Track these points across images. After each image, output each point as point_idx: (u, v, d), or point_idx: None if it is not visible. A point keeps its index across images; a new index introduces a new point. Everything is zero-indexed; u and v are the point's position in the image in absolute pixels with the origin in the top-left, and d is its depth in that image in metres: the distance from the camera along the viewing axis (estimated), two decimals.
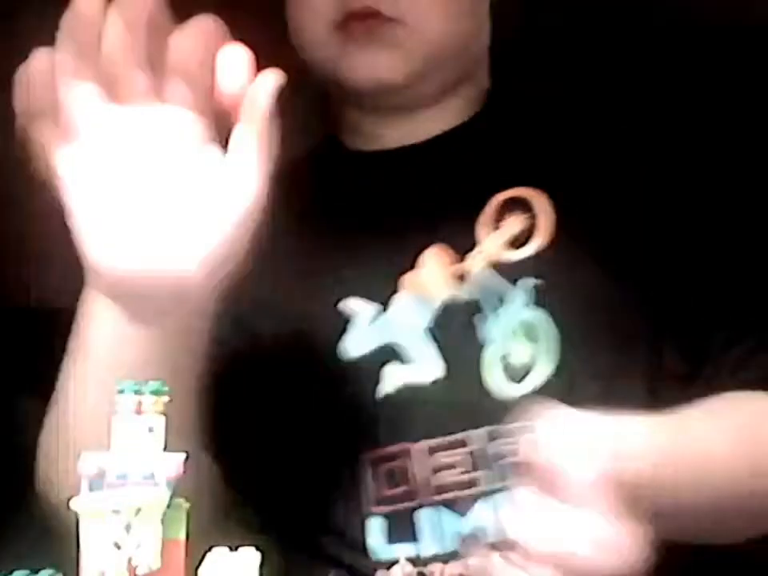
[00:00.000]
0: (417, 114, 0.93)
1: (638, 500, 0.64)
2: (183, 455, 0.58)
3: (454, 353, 0.84)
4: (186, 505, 0.58)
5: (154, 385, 0.59)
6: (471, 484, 0.82)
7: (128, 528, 0.54)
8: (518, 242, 0.86)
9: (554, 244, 0.86)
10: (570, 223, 0.85)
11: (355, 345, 0.85)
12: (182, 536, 0.57)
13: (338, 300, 0.88)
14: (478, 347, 0.83)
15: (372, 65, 0.87)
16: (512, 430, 0.81)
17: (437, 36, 0.87)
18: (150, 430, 0.58)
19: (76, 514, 0.55)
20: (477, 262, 0.86)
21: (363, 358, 0.85)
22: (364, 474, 0.85)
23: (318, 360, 0.86)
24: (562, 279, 0.83)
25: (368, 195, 0.93)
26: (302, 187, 0.95)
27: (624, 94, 0.98)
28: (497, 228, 0.86)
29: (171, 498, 0.57)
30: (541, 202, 0.86)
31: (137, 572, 0.54)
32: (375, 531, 0.84)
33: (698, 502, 0.73)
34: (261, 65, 0.65)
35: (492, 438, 0.82)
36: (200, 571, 0.56)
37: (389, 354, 0.85)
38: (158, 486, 0.57)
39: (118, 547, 0.54)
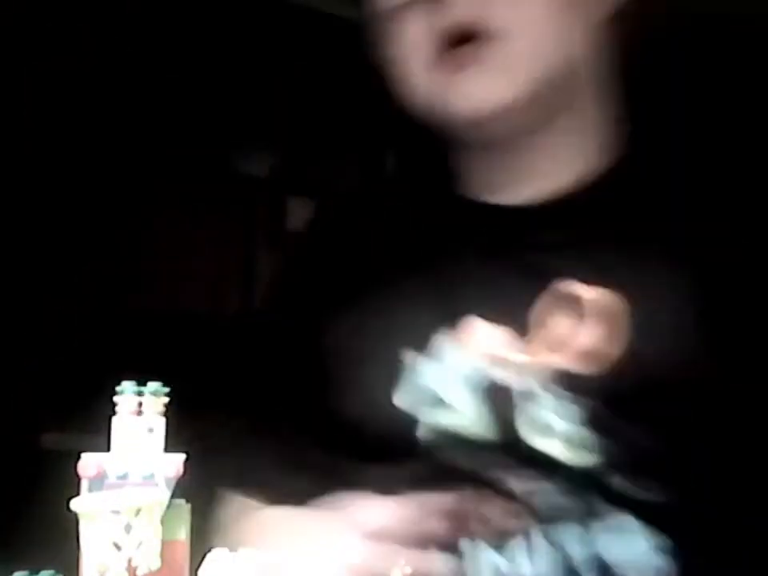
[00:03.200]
0: (525, 155, 0.86)
1: None
2: (183, 456, 0.58)
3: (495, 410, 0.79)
4: (187, 505, 0.58)
5: (153, 386, 0.59)
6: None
7: (128, 528, 0.54)
8: (556, 344, 0.76)
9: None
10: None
11: (406, 394, 0.81)
12: (183, 536, 0.57)
13: (403, 347, 0.84)
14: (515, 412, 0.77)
15: (480, 92, 0.81)
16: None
17: (541, 51, 0.81)
18: (150, 430, 0.58)
19: (76, 515, 0.55)
20: (518, 355, 0.79)
21: (409, 407, 0.81)
22: None
23: (373, 406, 0.82)
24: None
25: (470, 248, 0.87)
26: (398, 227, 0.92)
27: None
28: (544, 324, 0.79)
29: (171, 498, 0.57)
30: (595, 306, 0.75)
31: (137, 572, 0.54)
32: None
33: None
34: None
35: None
36: (200, 571, 0.57)
37: (433, 403, 0.81)
38: (158, 486, 0.57)
39: (118, 548, 0.54)
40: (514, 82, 0.81)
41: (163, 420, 0.58)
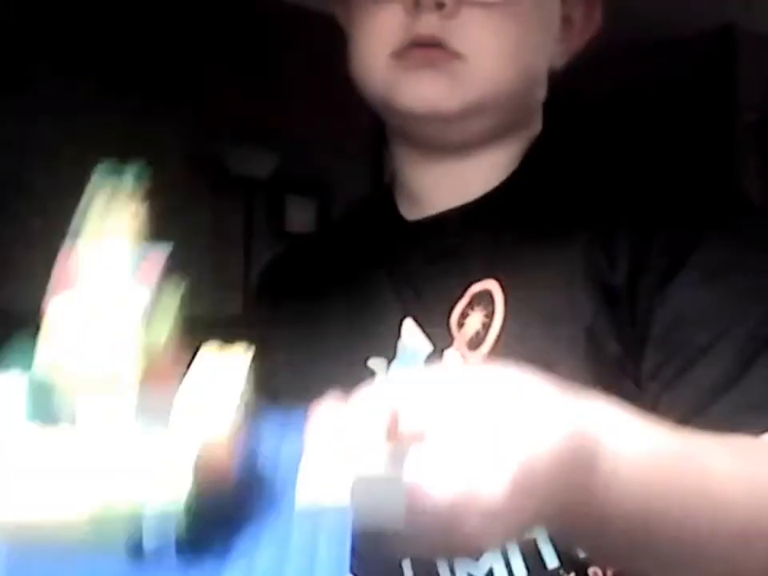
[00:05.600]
0: (466, 163, 0.92)
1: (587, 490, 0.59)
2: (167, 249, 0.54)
3: None
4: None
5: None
6: None
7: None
8: (475, 342, 0.84)
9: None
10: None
11: None
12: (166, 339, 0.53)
13: (366, 357, 0.89)
14: None
15: (428, 90, 0.87)
16: None
17: (496, 78, 0.87)
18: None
19: None
20: (453, 357, 0.85)
21: None
22: None
23: None
24: None
25: (403, 260, 0.92)
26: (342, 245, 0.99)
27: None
28: (462, 323, 0.85)
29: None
30: (499, 298, 0.85)
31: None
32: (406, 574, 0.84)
33: (673, 529, 0.65)
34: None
35: None
36: (190, 369, 0.53)
37: None
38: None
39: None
40: (461, 95, 0.87)
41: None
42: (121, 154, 0.66)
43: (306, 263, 1.03)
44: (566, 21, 0.94)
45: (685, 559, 0.67)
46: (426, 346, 0.87)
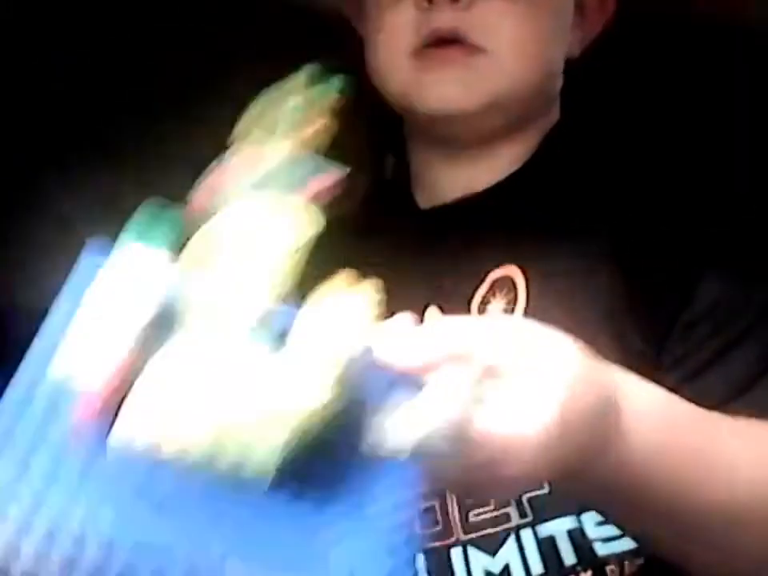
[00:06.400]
0: (484, 155, 0.91)
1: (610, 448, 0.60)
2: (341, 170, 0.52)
3: None
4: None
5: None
6: (502, 520, 0.81)
7: None
8: None
9: None
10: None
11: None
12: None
13: None
14: None
15: (450, 90, 0.85)
16: None
17: (517, 71, 0.86)
18: None
19: None
20: None
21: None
22: None
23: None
24: None
25: (420, 250, 0.90)
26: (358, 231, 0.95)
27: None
28: (484, 311, 0.84)
29: None
30: (521, 284, 0.84)
31: None
32: (419, 570, 0.83)
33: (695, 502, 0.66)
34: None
35: None
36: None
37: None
38: None
39: None
40: (482, 91, 0.86)
41: None
42: None
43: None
44: (580, 8, 0.93)
45: (701, 524, 0.68)
46: None
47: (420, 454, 0.52)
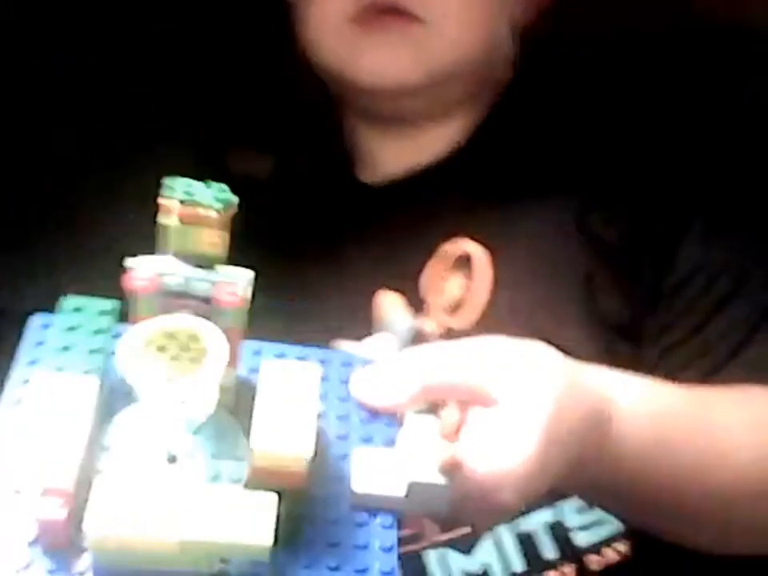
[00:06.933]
0: (430, 129, 0.87)
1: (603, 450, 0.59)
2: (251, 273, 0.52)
3: None
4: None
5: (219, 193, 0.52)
6: None
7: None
8: (456, 305, 0.80)
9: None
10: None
11: None
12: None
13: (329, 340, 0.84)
14: None
15: (389, 63, 0.81)
16: None
17: (459, 43, 0.82)
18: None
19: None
20: (428, 324, 0.81)
21: None
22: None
23: None
24: None
25: (367, 228, 0.87)
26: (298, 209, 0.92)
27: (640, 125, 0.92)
28: (439, 288, 0.81)
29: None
30: (482, 263, 0.81)
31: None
32: None
33: (689, 491, 0.66)
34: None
35: None
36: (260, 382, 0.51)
37: None
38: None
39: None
40: (424, 65, 0.81)
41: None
42: None
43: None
44: None
45: (699, 507, 0.67)
46: (406, 316, 0.83)
47: (405, 504, 0.53)
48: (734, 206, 0.82)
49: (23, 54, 1.08)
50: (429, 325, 0.81)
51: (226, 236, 0.51)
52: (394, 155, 0.88)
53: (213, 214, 0.50)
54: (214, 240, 0.51)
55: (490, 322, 0.76)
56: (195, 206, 0.49)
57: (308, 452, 0.48)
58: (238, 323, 0.52)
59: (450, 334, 0.79)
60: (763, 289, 0.79)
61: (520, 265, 0.80)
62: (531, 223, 0.82)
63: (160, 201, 0.50)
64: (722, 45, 1.01)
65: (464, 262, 0.82)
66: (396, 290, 0.82)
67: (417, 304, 0.80)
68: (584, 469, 0.59)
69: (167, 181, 0.50)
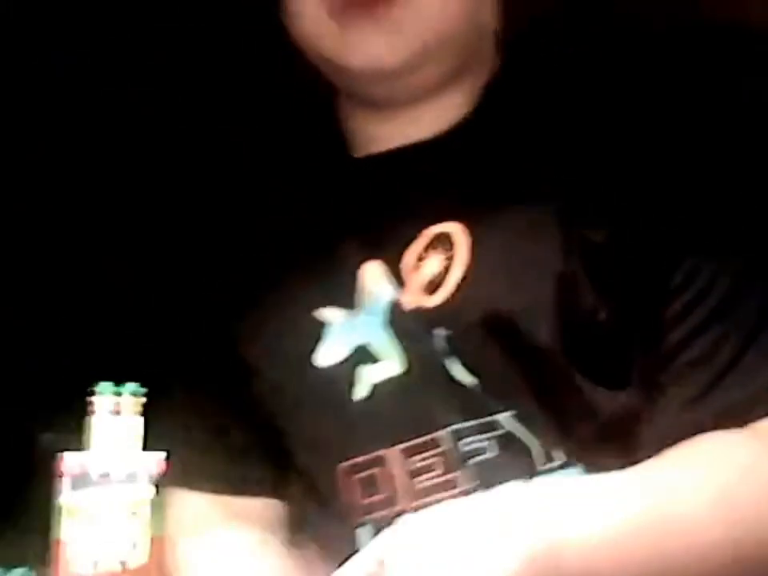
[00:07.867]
0: (419, 109, 0.88)
1: None
2: (164, 453, 0.57)
3: (413, 348, 0.81)
4: (162, 500, 0.58)
5: (131, 386, 0.59)
6: (451, 485, 0.80)
7: (118, 524, 0.54)
8: (433, 285, 0.81)
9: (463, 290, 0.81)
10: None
11: (330, 353, 0.82)
12: (162, 531, 0.57)
13: (314, 308, 0.85)
14: (433, 344, 0.80)
15: (372, 47, 0.83)
16: (477, 427, 0.78)
17: (439, 19, 0.83)
18: (129, 430, 0.58)
19: (54, 512, 0.54)
20: (405, 299, 0.82)
21: (338, 366, 0.83)
22: (345, 484, 0.83)
23: (295, 369, 0.84)
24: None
25: (354, 200, 0.88)
26: (295, 191, 0.92)
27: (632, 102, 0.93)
28: (418, 266, 0.82)
29: (156, 494, 0.57)
30: (461, 241, 0.82)
31: (127, 566, 0.53)
32: (365, 540, 0.81)
33: None
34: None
35: (459, 437, 0.79)
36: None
37: (361, 356, 0.82)
38: (141, 484, 0.57)
39: (111, 543, 0.54)
40: (405, 46, 0.83)
41: (141, 420, 0.58)
42: None
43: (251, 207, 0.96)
44: None
45: None
46: (390, 291, 0.84)
47: None
48: (732, 206, 0.82)
49: (23, 54, 1.10)
50: (406, 300, 0.82)
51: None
52: (388, 135, 0.89)
53: None
54: None
55: (462, 303, 0.79)
56: None
57: None
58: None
59: (422, 311, 0.81)
60: (762, 290, 0.78)
61: (496, 254, 0.81)
62: (509, 216, 0.82)
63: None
64: (721, 45, 1.02)
65: (445, 242, 0.83)
66: (383, 268, 0.83)
67: (400, 278, 0.82)
68: None
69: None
